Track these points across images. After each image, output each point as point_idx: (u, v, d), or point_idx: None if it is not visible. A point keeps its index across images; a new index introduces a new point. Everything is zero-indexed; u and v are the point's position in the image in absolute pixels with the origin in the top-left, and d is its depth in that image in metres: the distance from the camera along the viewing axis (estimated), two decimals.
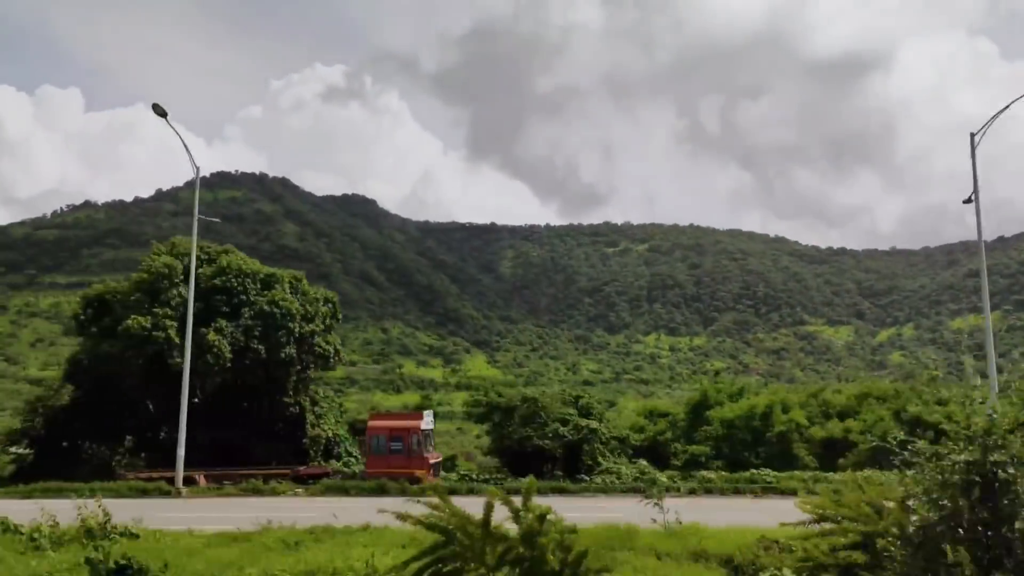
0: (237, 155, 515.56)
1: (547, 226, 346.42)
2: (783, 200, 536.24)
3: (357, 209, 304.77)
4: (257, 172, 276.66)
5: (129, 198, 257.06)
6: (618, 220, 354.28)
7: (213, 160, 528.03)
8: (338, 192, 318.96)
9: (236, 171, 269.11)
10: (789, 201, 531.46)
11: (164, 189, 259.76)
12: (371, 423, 35.04)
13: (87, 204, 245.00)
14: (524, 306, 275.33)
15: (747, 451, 36.70)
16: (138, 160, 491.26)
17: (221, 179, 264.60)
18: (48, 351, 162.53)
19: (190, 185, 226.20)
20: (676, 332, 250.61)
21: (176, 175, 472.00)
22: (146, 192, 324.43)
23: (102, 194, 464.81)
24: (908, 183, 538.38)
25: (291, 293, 41.01)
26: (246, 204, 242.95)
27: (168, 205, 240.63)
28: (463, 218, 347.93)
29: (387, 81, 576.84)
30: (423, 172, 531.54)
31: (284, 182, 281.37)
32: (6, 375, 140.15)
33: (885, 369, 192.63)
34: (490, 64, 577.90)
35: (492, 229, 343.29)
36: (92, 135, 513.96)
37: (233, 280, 39.28)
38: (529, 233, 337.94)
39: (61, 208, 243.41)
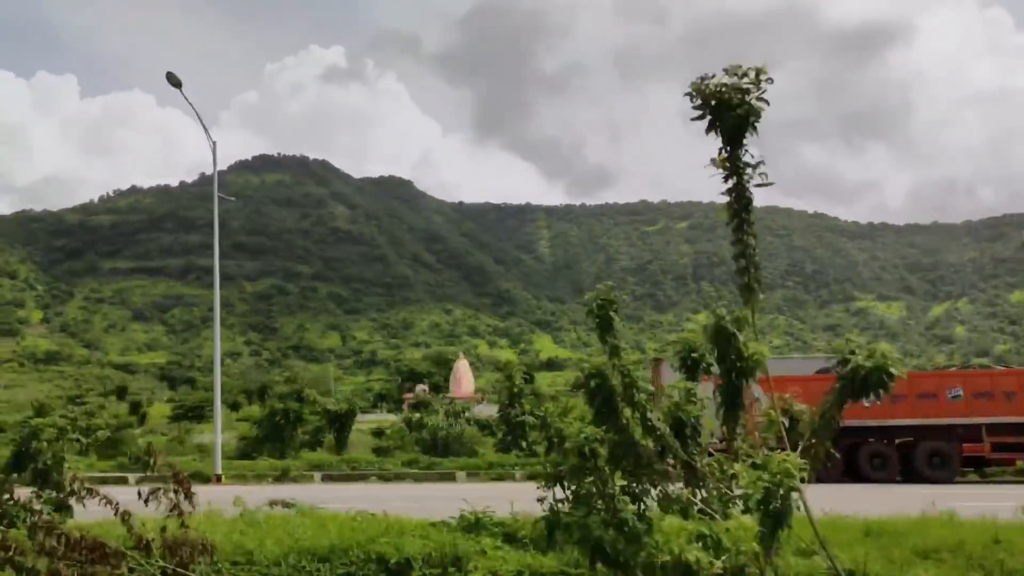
0: (237, 139, 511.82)
1: (582, 205, 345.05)
2: (792, 176, 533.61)
3: (395, 191, 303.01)
4: (298, 155, 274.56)
5: (128, 184, 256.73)
6: (628, 199, 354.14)
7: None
8: (374, 175, 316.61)
9: (279, 154, 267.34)
10: (798, 177, 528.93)
11: (207, 173, 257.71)
12: None
13: (133, 189, 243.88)
14: (567, 286, 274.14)
15: None
16: (135, 146, 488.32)
17: (264, 162, 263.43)
18: (122, 336, 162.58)
19: (232, 168, 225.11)
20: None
21: (177, 158, 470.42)
22: (151, 179, 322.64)
23: (100, 180, 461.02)
24: (918, 157, 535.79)
25: None
26: (294, 187, 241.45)
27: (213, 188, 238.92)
28: (466, 198, 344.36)
29: (387, 62, 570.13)
30: (425, 153, 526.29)
31: (325, 164, 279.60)
32: (90, 361, 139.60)
33: (953, 344, 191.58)
34: (494, 43, 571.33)
35: (527, 209, 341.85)
36: (88, 121, 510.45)
37: None
38: (565, 213, 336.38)
39: (108, 193, 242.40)
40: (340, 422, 34.79)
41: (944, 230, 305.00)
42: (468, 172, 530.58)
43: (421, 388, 62.39)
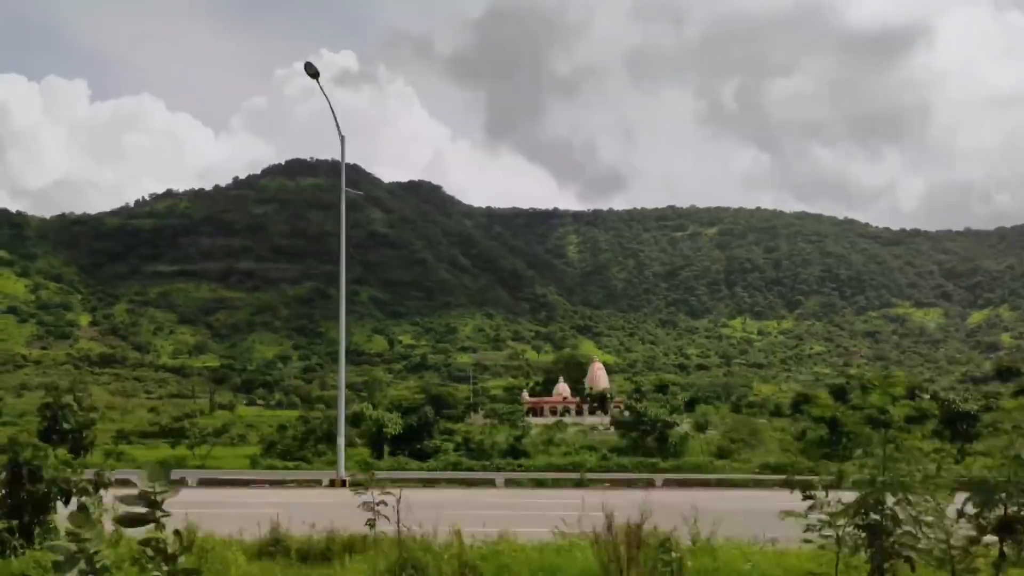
0: (247, 143, 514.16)
1: (609, 210, 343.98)
2: (808, 179, 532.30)
3: (425, 196, 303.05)
4: (330, 159, 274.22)
5: (136, 189, 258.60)
6: (643, 204, 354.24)
7: (221, 149, 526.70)
8: (395, 179, 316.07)
9: (311, 158, 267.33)
10: (813, 180, 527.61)
11: (241, 177, 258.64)
12: None
13: (169, 193, 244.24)
14: (599, 291, 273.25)
15: None
16: (144, 150, 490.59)
17: (298, 166, 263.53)
18: (171, 339, 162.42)
19: (267, 173, 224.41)
20: (762, 316, 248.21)
21: (187, 162, 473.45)
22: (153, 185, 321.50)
23: (110, 184, 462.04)
24: (933, 161, 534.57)
25: None
26: (329, 191, 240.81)
27: (250, 192, 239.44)
28: (475, 202, 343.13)
29: (397, 65, 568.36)
30: (435, 157, 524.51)
31: (356, 168, 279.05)
32: (144, 363, 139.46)
33: (1000, 351, 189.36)
34: (507, 46, 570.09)
35: (555, 214, 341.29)
36: (99, 125, 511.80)
37: None
38: (593, 218, 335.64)
39: (143, 197, 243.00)
40: (966, 421, 33.54)
41: (977, 237, 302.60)
42: (479, 176, 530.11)
43: (562, 391, 61.45)
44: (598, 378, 60.61)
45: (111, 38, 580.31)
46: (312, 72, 29.64)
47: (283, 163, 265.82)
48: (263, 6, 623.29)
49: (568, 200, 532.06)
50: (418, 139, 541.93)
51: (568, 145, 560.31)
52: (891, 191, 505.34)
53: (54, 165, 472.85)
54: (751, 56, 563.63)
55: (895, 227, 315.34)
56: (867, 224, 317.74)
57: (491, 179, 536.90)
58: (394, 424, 33.47)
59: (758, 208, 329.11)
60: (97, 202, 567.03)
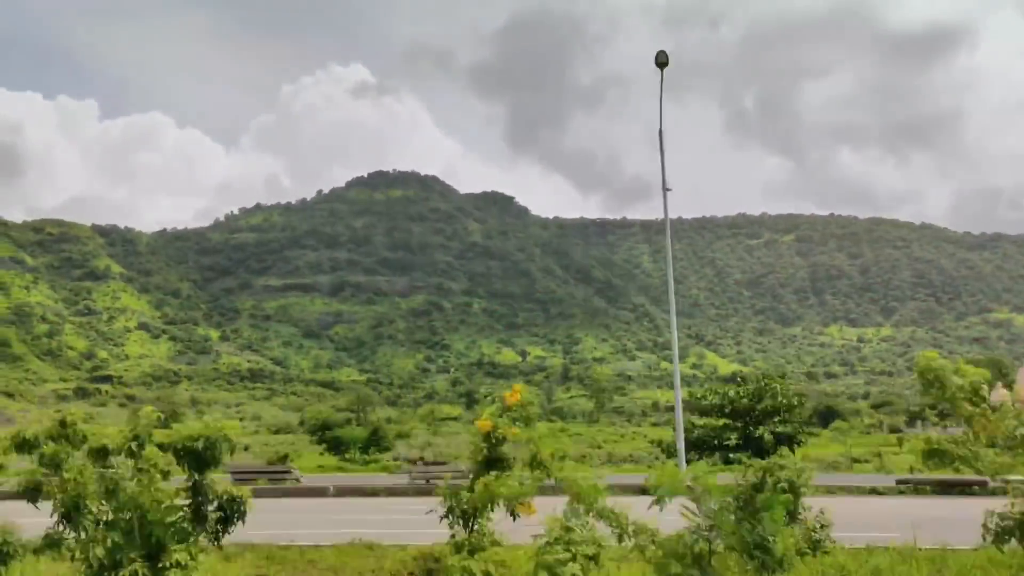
0: (257, 159, 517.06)
1: (679, 219, 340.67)
2: (838, 183, 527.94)
3: (502, 207, 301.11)
4: (409, 170, 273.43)
5: (150, 205, 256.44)
6: (676, 213, 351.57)
7: (233, 165, 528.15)
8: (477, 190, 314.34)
9: (393, 170, 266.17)
10: (843, 184, 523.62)
11: (324, 191, 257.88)
12: None
13: (259, 207, 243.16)
14: (681, 300, 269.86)
15: None
16: (156, 167, 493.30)
17: (380, 178, 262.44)
18: (302, 354, 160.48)
19: (351, 185, 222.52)
20: (857, 323, 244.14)
21: (195, 178, 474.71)
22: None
23: (125, 201, 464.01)
24: (964, 165, 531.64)
25: None
26: (418, 202, 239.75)
27: (340, 205, 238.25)
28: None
29: (413, 79, 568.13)
30: (448, 168, 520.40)
31: (434, 180, 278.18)
32: (290, 379, 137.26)
33: None
34: (527, 57, 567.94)
35: (624, 224, 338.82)
36: (110, 143, 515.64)
37: None
38: (662, 227, 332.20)
39: (231, 212, 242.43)
40: None
41: None
42: (500, 187, 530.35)
43: None
44: None
45: (120, 58, 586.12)
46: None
47: (366, 175, 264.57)
48: (270, 25, 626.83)
49: (592, 209, 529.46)
50: (433, 150, 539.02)
51: (592, 155, 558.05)
52: (911, 196, 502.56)
53: (67, 183, 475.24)
54: (789, 59, 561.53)
55: (976, 231, 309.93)
56: (945, 228, 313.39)
57: (513, 191, 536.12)
58: None
59: (832, 214, 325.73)
60: (115, 220, 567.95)
